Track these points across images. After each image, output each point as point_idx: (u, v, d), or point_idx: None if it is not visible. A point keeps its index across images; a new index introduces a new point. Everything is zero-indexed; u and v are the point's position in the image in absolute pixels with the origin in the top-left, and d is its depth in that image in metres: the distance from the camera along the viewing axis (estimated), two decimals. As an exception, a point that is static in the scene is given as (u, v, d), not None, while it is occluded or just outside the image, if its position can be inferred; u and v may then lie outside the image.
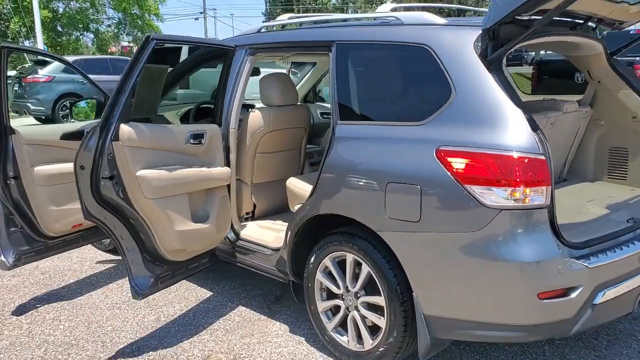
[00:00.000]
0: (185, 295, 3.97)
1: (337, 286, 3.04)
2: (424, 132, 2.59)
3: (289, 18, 3.80)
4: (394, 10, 3.16)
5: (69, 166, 3.79)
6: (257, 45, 3.59)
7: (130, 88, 2.90)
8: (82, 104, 4.36)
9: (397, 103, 2.86)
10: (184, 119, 4.49)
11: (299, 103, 4.03)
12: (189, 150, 3.29)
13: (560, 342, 3.18)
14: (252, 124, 3.74)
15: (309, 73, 5.42)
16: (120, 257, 4.70)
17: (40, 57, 13.62)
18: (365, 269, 2.85)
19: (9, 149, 3.56)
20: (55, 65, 14.24)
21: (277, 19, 3.98)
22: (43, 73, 14.15)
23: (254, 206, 4.03)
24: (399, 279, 2.71)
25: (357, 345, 2.97)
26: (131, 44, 30.44)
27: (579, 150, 3.64)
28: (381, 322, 2.83)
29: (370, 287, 2.89)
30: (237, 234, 3.74)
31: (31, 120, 15.46)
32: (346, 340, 3.03)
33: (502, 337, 2.58)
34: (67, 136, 3.85)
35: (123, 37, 28.62)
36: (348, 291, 2.99)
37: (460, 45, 2.61)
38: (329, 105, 5.33)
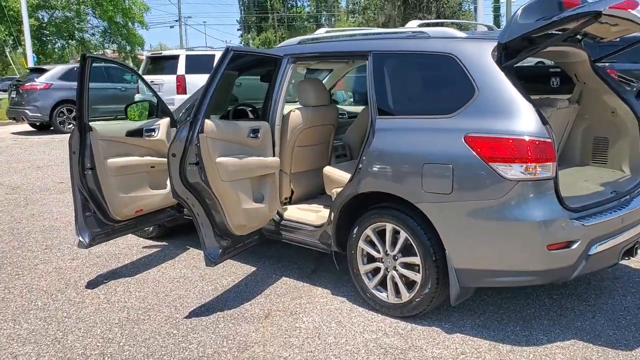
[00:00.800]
0: (233, 270, 4.58)
1: (378, 251, 3.70)
2: (453, 122, 3.27)
3: (327, 32, 4.49)
4: (420, 25, 3.87)
5: (135, 159, 4.41)
6: (299, 54, 4.25)
7: (213, 90, 3.53)
8: (134, 106, 4.96)
9: (429, 100, 3.55)
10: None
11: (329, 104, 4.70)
12: (249, 143, 3.93)
13: (557, 295, 3.89)
14: (293, 122, 4.38)
15: (326, 79, 6.09)
16: (163, 243, 5.31)
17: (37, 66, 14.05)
18: (403, 235, 3.52)
19: (87, 144, 4.15)
20: (52, 72, 14.67)
21: (314, 33, 4.65)
22: (40, 80, 14.56)
23: (292, 192, 4.67)
24: (432, 241, 3.38)
25: (396, 298, 3.64)
26: (115, 52, 30.78)
27: (568, 139, 4.37)
28: (417, 277, 3.50)
29: (406, 251, 3.56)
30: (280, 215, 4.37)
31: (26, 126, 15.80)
32: (386, 296, 3.69)
33: (519, 282, 3.27)
34: (131, 133, 4.46)
35: (108, 45, 28.99)
36: (387, 255, 3.65)
37: (480, 54, 3.31)
38: (340, 107, 6.03)
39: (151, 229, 5.33)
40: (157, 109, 4.88)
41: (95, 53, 27.63)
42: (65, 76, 14.62)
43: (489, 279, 3.26)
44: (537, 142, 3.04)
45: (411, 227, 3.45)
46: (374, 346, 3.32)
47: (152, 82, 13.02)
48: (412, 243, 3.47)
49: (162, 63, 13.40)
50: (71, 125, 14.32)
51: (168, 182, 3.83)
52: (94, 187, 4.25)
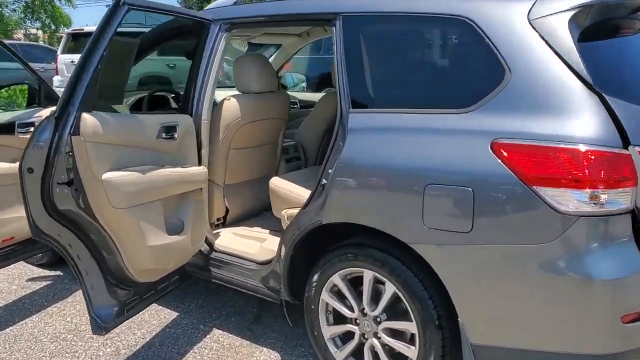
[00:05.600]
0: (146, 319, 3.32)
1: (350, 308, 2.53)
2: (472, 121, 2.12)
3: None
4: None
5: (2, 166, 3.08)
6: (236, 19, 2.99)
7: (95, 67, 2.24)
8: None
9: (432, 87, 2.37)
10: (135, 110, 3.81)
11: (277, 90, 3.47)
12: (160, 147, 2.66)
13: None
14: (227, 115, 3.14)
15: (272, 57, 4.83)
16: (56, 272, 3.99)
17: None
18: (390, 288, 2.36)
19: None
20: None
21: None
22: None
23: (226, 211, 3.44)
24: (437, 301, 2.24)
25: (378, 380, 2.48)
26: (39, 30, 28.20)
27: None
28: (411, 352, 2.35)
29: (394, 311, 2.41)
30: (210, 245, 3.15)
31: None
32: (362, 374, 2.53)
33: (574, 371, 2.16)
34: (-5, 128, 3.11)
35: (31, 23, 26.44)
36: (365, 315, 2.49)
37: (511, 18, 2.15)
38: (291, 93, 4.80)
39: (40, 254, 3.98)
40: (39, 94, 3.53)
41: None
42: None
43: (526, 365, 2.14)
44: (609, 155, 1.92)
45: (403, 277, 2.30)
46: None
47: (72, 61, 11.43)
48: (405, 301, 2.32)
49: (84, 41, 11.75)
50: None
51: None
52: None
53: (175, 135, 2.75)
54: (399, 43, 2.46)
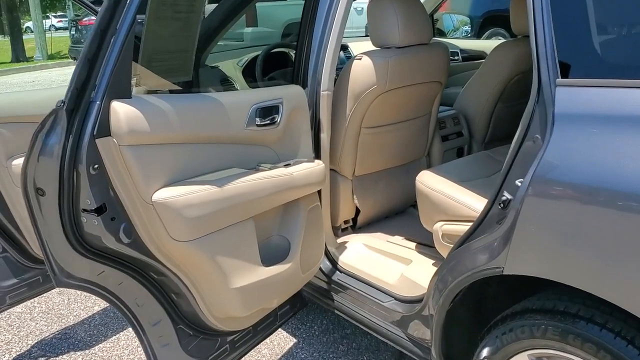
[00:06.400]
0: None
1: (546, 411, 1.53)
2: None
3: None
4: None
5: None
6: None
7: (130, 22, 1.40)
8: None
9: None
10: (249, 71, 3.00)
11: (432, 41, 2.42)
12: (251, 138, 1.80)
13: None
14: (358, 81, 2.19)
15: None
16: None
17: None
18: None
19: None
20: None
21: None
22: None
23: (357, 211, 2.53)
24: None
25: None
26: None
27: None
28: None
29: None
30: (333, 261, 2.29)
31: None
32: None
33: None
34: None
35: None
36: None
37: None
38: (448, 41, 3.68)
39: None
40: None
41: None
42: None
43: None
44: None
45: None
46: None
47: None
48: None
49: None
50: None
51: None
52: None
53: (277, 119, 1.87)
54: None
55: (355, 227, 2.58)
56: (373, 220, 2.62)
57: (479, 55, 3.99)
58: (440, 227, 1.99)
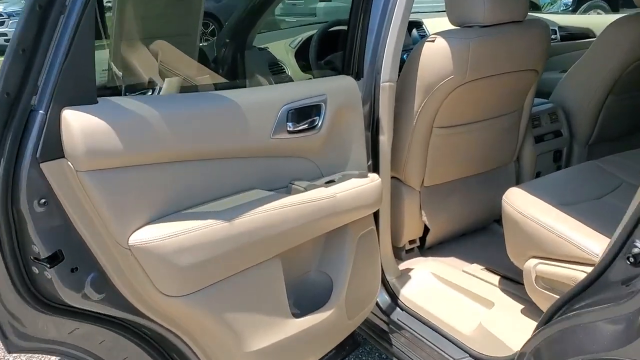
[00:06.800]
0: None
1: None
2: None
3: None
4: None
5: None
6: None
7: None
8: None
9: None
10: (302, 54, 2.58)
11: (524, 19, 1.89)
12: (283, 148, 1.36)
13: None
14: (431, 70, 1.72)
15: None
16: None
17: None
18: None
19: None
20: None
21: None
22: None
23: (425, 229, 2.05)
24: None
25: None
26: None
27: None
28: None
29: None
30: (393, 295, 1.85)
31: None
32: None
33: None
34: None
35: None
36: None
37: None
38: (548, 18, 3.09)
39: None
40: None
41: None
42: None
43: None
44: None
45: None
46: None
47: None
48: None
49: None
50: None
51: None
52: None
53: (319, 122, 1.42)
54: None
55: (422, 247, 2.11)
56: (445, 239, 2.14)
57: (583, 34, 3.36)
58: (533, 267, 1.50)
